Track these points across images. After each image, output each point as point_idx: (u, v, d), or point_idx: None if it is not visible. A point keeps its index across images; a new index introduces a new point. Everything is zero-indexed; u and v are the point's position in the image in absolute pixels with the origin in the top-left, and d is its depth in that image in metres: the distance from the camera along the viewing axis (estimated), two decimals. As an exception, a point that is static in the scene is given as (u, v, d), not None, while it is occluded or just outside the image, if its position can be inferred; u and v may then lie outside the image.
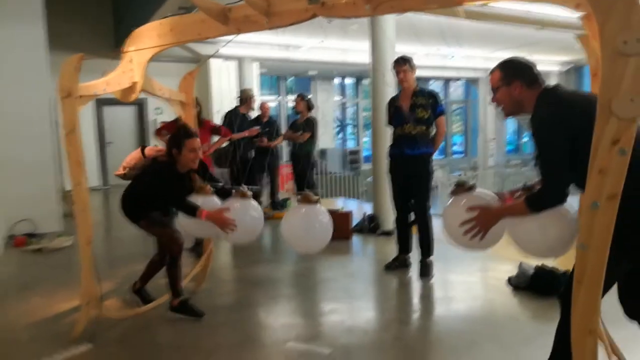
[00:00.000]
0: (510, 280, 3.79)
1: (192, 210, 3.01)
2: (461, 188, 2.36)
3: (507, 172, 15.05)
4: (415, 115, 3.99)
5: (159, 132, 5.24)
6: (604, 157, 1.62)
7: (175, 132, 3.24)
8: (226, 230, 2.96)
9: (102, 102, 10.67)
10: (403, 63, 4.03)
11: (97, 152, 11.09)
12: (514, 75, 2.00)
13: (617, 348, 2.48)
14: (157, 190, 3.16)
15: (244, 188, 3.12)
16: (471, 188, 2.37)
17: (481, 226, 2.11)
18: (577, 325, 1.74)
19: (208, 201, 3.19)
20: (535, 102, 1.96)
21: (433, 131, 4.10)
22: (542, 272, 3.62)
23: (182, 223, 3.20)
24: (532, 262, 3.71)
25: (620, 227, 1.64)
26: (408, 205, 4.20)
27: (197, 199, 3.16)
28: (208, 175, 3.47)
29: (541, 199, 1.92)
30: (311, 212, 2.88)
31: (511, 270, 3.88)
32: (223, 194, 3.30)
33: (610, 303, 1.89)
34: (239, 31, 2.77)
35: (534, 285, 3.60)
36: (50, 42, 6.33)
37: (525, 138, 22.45)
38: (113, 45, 10.75)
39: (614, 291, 1.98)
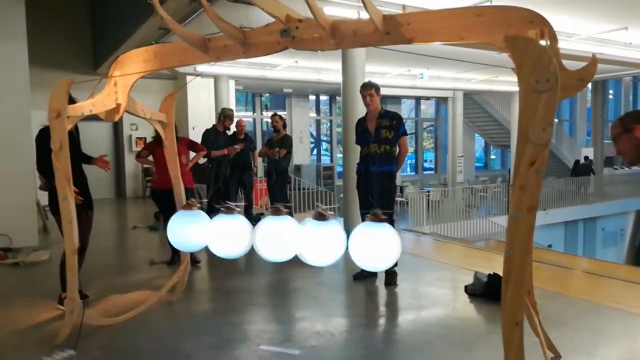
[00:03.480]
0: (466, 288, 4.12)
1: (87, 160, 3.80)
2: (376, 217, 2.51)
3: (476, 188, 15.60)
4: (380, 135, 4.32)
5: (139, 155, 5.43)
6: (523, 175, 1.95)
7: None
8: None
9: (78, 118, 10.75)
10: (369, 88, 4.40)
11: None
12: (634, 121, 2.01)
13: (553, 344, 2.81)
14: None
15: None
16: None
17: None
18: (506, 319, 2.05)
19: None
20: None
21: (397, 150, 4.44)
22: (494, 280, 3.95)
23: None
24: (486, 271, 4.05)
25: None
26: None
27: (184, 214, 3.42)
28: (190, 192, 3.74)
29: None
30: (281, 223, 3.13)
31: (468, 279, 4.20)
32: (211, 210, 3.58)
33: (550, 307, 2.18)
34: (218, 59, 3.05)
35: (488, 291, 3.92)
36: (30, 60, 6.49)
37: (494, 155, 23.27)
38: (92, 63, 10.91)
39: (554, 296, 2.25)
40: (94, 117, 3.46)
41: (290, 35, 2.74)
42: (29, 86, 6.39)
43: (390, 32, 2.43)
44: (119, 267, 5.56)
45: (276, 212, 3.14)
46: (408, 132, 4.60)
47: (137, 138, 11.98)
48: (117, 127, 11.87)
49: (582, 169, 17.47)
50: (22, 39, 6.34)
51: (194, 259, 5.12)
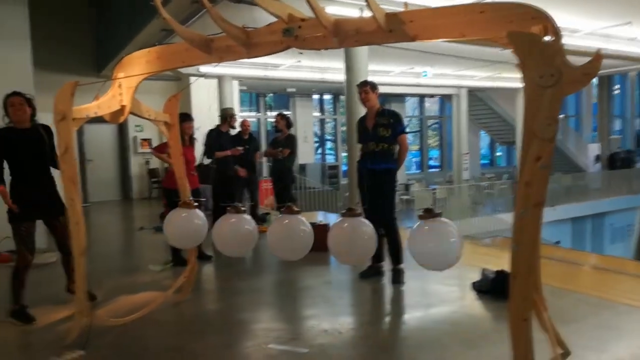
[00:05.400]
0: (474, 285, 4.11)
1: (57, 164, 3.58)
2: (428, 214, 2.62)
3: (483, 185, 15.56)
4: (378, 133, 4.35)
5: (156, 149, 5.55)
6: (529, 171, 1.94)
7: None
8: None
9: (83, 120, 10.81)
10: (364, 85, 4.45)
11: (77, 170, 11.18)
12: None
13: (562, 340, 2.80)
14: (3, 153, 3.53)
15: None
16: (438, 215, 2.64)
17: None
18: (514, 315, 2.05)
19: (192, 214, 3.48)
20: None
21: (396, 149, 4.45)
22: (502, 276, 3.93)
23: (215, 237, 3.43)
24: (493, 268, 4.04)
25: None
26: (377, 216, 4.50)
27: (181, 212, 3.44)
28: (194, 192, 3.76)
29: None
30: (295, 221, 3.16)
31: (475, 276, 4.19)
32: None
33: (559, 303, 2.15)
34: (221, 60, 3.06)
35: (495, 288, 3.91)
36: (34, 64, 6.53)
37: (499, 152, 23.19)
38: (95, 64, 10.96)
39: (563, 293, 2.23)
40: (99, 119, 3.47)
41: (293, 34, 2.74)
42: (34, 89, 6.42)
43: (393, 30, 2.43)
44: (127, 268, 5.59)
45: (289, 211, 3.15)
46: (413, 130, 4.62)
47: (142, 139, 12.02)
48: (122, 129, 11.92)
49: (622, 161, 17.00)
50: (26, 42, 6.38)
51: (202, 254, 5.16)
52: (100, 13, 10.61)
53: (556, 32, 2.12)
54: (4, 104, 3.64)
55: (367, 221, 3.04)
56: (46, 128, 3.75)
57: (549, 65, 1.87)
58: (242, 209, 3.37)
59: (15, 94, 3.66)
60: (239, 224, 3.31)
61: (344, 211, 3.06)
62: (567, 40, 2.22)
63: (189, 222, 3.51)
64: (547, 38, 2.05)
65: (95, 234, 7.61)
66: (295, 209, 3.18)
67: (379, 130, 4.37)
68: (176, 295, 4.04)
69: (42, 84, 6.90)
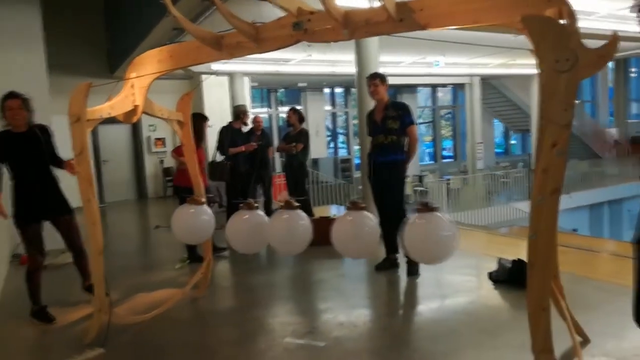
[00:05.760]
0: (490, 275, 4.07)
1: (59, 163, 3.67)
2: (425, 207, 2.65)
3: (497, 174, 15.39)
4: (386, 126, 4.33)
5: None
6: (545, 158, 1.91)
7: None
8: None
9: (97, 121, 10.92)
10: (374, 77, 4.44)
11: (93, 170, 11.31)
12: None
13: (581, 328, 2.76)
14: (3, 159, 3.51)
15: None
16: (434, 209, 2.67)
17: None
18: (533, 303, 2.03)
19: (200, 210, 3.57)
20: None
21: (405, 141, 4.43)
22: (519, 265, 3.89)
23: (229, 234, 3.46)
24: (510, 257, 4.00)
25: None
26: (387, 209, 4.49)
27: (189, 208, 3.50)
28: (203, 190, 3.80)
29: None
30: (294, 216, 3.17)
31: (491, 266, 4.16)
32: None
33: (578, 291, 2.12)
34: (231, 56, 3.06)
35: (512, 277, 3.87)
36: (49, 67, 6.61)
37: (514, 140, 22.91)
38: (108, 65, 11.05)
39: (581, 280, 2.18)
40: (113, 120, 3.48)
41: (302, 28, 2.73)
42: (48, 93, 6.50)
43: (404, 19, 2.40)
44: (144, 266, 5.66)
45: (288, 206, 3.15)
46: (425, 120, 4.59)
47: (155, 139, 12.12)
48: (135, 129, 12.02)
49: None
50: (40, 46, 6.45)
51: (216, 247, 5.18)
52: (113, 15, 10.68)
53: (571, 14, 2.07)
54: (2, 106, 3.55)
55: (370, 215, 3.08)
56: (42, 128, 3.73)
57: (565, 49, 1.83)
58: (255, 205, 3.38)
59: (12, 95, 3.56)
60: (252, 221, 3.32)
61: (348, 204, 3.08)
62: (583, 23, 2.17)
63: (195, 218, 3.56)
64: (562, 21, 2.01)
65: (112, 233, 7.72)
66: (295, 204, 3.20)
67: (387, 122, 4.37)
68: (193, 291, 4.07)
69: (57, 86, 7.00)
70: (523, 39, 2.13)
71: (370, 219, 3.07)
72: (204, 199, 3.74)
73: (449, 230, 2.63)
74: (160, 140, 12.13)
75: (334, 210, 8.34)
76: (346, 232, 3.01)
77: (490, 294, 3.81)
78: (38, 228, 3.66)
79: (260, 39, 2.88)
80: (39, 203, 3.64)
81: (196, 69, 10.63)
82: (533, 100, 16.21)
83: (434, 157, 19.71)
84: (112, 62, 10.90)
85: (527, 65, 14.34)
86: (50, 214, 3.73)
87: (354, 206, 3.05)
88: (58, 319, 3.66)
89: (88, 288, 3.87)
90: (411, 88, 17.59)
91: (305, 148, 6.87)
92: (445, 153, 20.38)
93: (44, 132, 3.73)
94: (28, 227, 3.60)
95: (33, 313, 3.65)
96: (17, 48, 6.26)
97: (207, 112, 11.52)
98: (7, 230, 5.79)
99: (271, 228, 3.22)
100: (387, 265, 4.52)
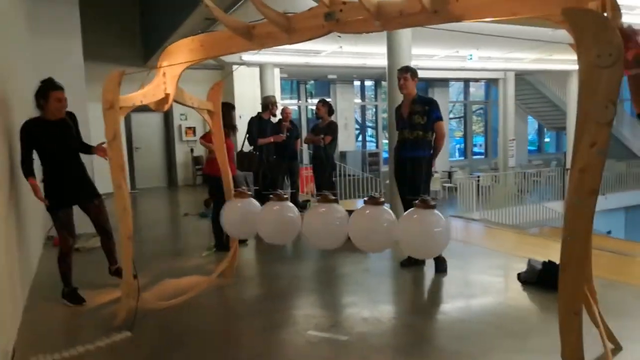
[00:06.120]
0: (519, 276, 3.97)
1: (87, 149, 3.78)
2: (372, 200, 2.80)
3: (530, 172, 15.02)
4: (412, 121, 4.27)
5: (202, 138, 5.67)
6: (583, 157, 1.83)
7: (41, 85, 3.60)
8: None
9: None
10: (405, 71, 4.38)
11: (126, 157, 11.58)
12: None
13: (613, 334, 2.67)
14: (34, 145, 3.53)
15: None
16: (432, 206, 2.80)
17: None
18: (564, 308, 1.96)
19: (246, 203, 3.67)
20: None
21: (432, 136, 4.36)
22: (549, 267, 3.79)
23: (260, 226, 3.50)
24: (540, 259, 3.89)
25: None
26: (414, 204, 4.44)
27: (236, 203, 3.58)
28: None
29: None
30: (330, 210, 3.15)
31: (521, 267, 4.06)
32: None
33: (611, 296, 2.04)
34: (262, 46, 3.05)
35: (542, 279, 3.77)
36: (85, 56, 6.77)
37: (548, 138, 22.29)
38: (142, 54, 11.25)
39: (615, 285, 2.13)
40: (145, 108, 3.54)
41: (334, 18, 2.70)
42: (84, 81, 6.66)
43: (438, 11, 2.34)
44: (173, 252, 5.75)
45: (324, 200, 3.17)
46: (456, 116, 4.52)
47: (186, 128, 12.31)
48: (167, 118, 12.23)
49: None
50: (77, 35, 6.62)
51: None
52: (147, 4, 10.85)
53: (615, 8, 1.97)
54: (45, 95, 3.58)
55: (388, 209, 3.09)
56: (71, 115, 3.82)
57: (608, 44, 1.74)
58: (285, 196, 3.39)
59: (59, 87, 3.63)
60: (282, 212, 3.34)
61: (366, 198, 3.09)
62: (626, 18, 2.07)
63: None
64: (604, 14, 1.92)
65: (142, 219, 7.88)
66: (332, 197, 3.20)
67: (414, 117, 4.31)
68: (219, 279, 4.12)
69: (92, 75, 7.16)
70: (562, 33, 2.04)
71: (388, 213, 3.08)
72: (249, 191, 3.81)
73: (442, 227, 2.80)
74: (191, 129, 12.31)
75: (361, 204, 8.30)
76: (361, 226, 3.06)
77: (519, 296, 3.72)
78: (69, 212, 3.76)
79: (291, 29, 2.86)
80: (71, 188, 3.73)
81: (227, 59, 10.71)
82: (570, 97, 15.70)
83: (464, 153, 19.36)
84: (146, 51, 11.09)
85: (565, 61, 13.88)
86: (80, 198, 3.83)
87: (371, 201, 3.05)
88: (87, 301, 3.76)
89: (115, 272, 3.96)
90: (443, 82, 17.29)
91: (334, 140, 6.84)
92: (476, 149, 20.00)
93: (72, 118, 3.82)
94: (60, 212, 3.70)
95: (64, 294, 3.76)
96: (56, 36, 6.43)
97: (237, 102, 11.66)
98: (40, 214, 5.99)
99: (307, 222, 3.22)
100: (413, 261, 4.47)
